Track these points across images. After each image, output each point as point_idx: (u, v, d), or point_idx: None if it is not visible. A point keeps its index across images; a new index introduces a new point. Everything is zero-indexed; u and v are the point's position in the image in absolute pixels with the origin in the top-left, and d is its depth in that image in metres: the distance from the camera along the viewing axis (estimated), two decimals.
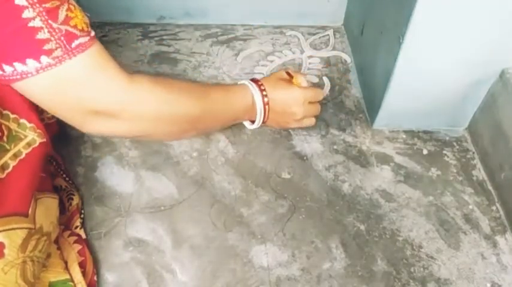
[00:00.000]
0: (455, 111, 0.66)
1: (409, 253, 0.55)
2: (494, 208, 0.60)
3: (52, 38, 0.39)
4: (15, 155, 0.43)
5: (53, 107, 0.44)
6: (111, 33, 0.81)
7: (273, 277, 0.53)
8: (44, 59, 0.39)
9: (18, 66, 0.39)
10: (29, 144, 0.45)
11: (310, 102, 0.62)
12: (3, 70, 0.39)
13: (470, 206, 0.60)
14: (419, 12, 0.51)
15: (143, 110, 0.47)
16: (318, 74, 0.77)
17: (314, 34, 0.84)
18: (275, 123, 0.64)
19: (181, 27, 0.84)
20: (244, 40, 0.82)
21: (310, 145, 0.66)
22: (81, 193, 0.60)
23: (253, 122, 0.63)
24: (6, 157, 0.43)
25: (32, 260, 0.44)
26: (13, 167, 0.43)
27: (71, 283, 0.49)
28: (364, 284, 0.53)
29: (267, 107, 0.60)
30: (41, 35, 0.38)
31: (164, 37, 0.81)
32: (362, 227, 0.57)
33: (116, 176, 0.62)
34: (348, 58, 0.79)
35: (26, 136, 0.45)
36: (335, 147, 0.66)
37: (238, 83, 0.61)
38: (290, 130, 0.68)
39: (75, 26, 0.40)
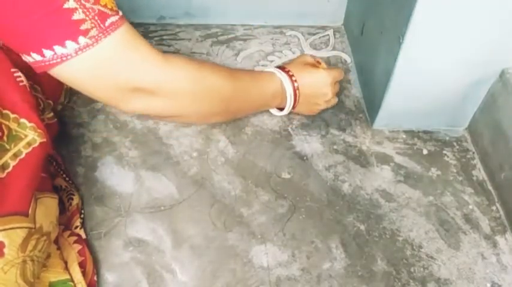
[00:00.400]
0: (455, 111, 0.66)
1: (409, 253, 0.55)
2: (494, 208, 0.60)
3: (87, 18, 0.40)
4: (15, 155, 0.43)
5: (92, 88, 0.45)
6: None
7: (273, 277, 0.53)
8: (82, 40, 0.40)
9: (58, 49, 0.39)
10: (29, 143, 0.45)
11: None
12: (43, 55, 0.40)
13: (470, 206, 0.60)
14: (419, 12, 0.51)
15: (178, 87, 0.48)
16: None
17: (314, 34, 0.84)
18: (304, 108, 0.65)
19: (181, 27, 0.84)
20: (244, 40, 0.82)
21: (310, 144, 0.66)
22: (81, 193, 0.60)
23: (281, 109, 0.64)
24: (7, 157, 0.43)
25: (32, 260, 0.44)
26: (13, 166, 0.43)
27: (71, 283, 0.49)
28: (364, 284, 0.53)
29: (297, 91, 0.61)
30: (76, 16, 0.39)
31: (164, 37, 0.81)
32: (362, 227, 0.57)
33: (116, 176, 0.62)
34: (348, 58, 0.79)
35: (26, 136, 0.45)
36: (335, 147, 0.66)
37: (265, 69, 0.62)
38: (290, 130, 0.68)
39: (105, 5, 0.41)
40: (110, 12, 0.41)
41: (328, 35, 0.84)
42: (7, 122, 0.43)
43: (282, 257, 0.55)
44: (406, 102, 0.64)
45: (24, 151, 0.44)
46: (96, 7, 0.40)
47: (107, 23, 0.41)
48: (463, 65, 0.58)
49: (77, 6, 0.39)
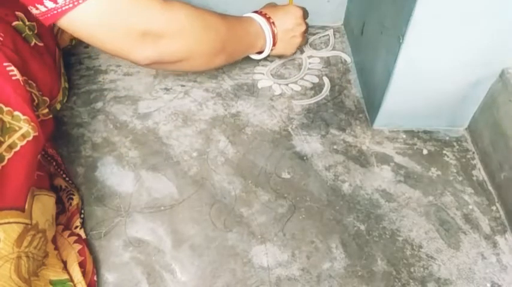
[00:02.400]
0: (455, 111, 0.66)
1: (409, 253, 0.55)
2: (494, 208, 0.60)
3: None
4: (10, 147, 0.43)
5: (102, 36, 0.47)
6: None
7: (273, 277, 0.53)
8: None
9: None
10: (23, 136, 0.44)
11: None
12: (55, 2, 0.42)
13: (470, 206, 0.60)
14: (419, 12, 0.51)
15: (181, 26, 0.52)
16: (318, 74, 0.77)
17: (314, 34, 0.84)
18: (284, 45, 0.70)
19: None
20: None
21: (310, 144, 0.66)
22: (81, 193, 0.60)
23: (261, 52, 0.69)
24: (1, 149, 0.42)
25: (27, 256, 0.43)
26: (8, 160, 0.42)
27: (70, 283, 0.49)
28: (364, 284, 0.53)
29: (274, 28, 0.67)
30: None
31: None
32: (362, 227, 0.57)
33: (116, 176, 0.62)
34: (348, 58, 0.79)
35: (20, 128, 0.44)
36: (335, 147, 0.66)
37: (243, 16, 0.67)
38: (290, 130, 0.68)
39: None
40: None
41: (328, 35, 0.84)
42: (0, 115, 0.43)
43: (282, 257, 0.55)
44: (406, 102, 0.64)
45: (19, 143, 0.44)
46: None
47: None
48: (463, 65, 0.58)
49: None
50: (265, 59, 0.79)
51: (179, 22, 0.52)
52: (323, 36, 0.84)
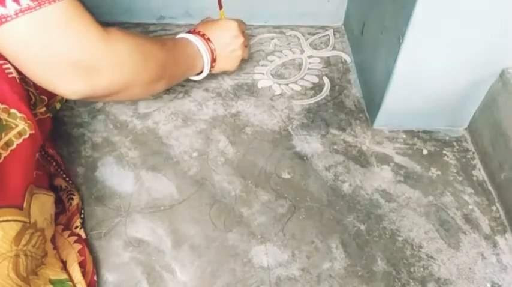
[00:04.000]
0: (455, 111, 0.66)
1: (409, 253, 0.55)
2: (494, 208, 0.60)
3: None
4: (6, 144, 0.43)
5: (29, 59, 0.42)
6: None
7: (273, 277, 0.53)
8: (24, 1, 0.38)
9: None
10: (20, 133, 0.44)
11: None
12: None
13: (470, 206, 0.60)
14: (419, 12, 0.51)
15: (118, 58, 0.47)
16: (318, 74, 0.77)
17: (314, 34, 0.84)
18: (225, 60, 0.67)
19: (181, 27, 0.84)
20: None
21: (310, 144, 0.66)
22: (81, 193, 0.60)
23: (201, 73, 0.66)
24: None
25: (26, 255, 0.43)
26: (5, 157, 0.42)
27: (69, 283, 0.49)
28: (364, 284, 0.53)
29: (211, 44, 0.64)
30: None
31: (164, 37, 0.81)
32: (362, 227, 0.57)
33: (116, 176, 0.62)
34: (348, 58, 0.79)
35: (16, 125, 0.44)
36: (335, 147, 0.66)
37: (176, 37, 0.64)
38: (290, 130, 0.68)
39: None
40: None
41: (328, 35, 0.84)
42: None
43: (282, 257, 0.55)
44: (406, 102, 0.64)
45: (16, 141, 0.44)
46: None
47: None
48: (463, 65, 0.58)
49: None
50: (265, 58, 0.79)
51: (117, 54, 0.47)
52: (323, 36, 0.84)
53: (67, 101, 0.68)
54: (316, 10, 0.84)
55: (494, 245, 0.56)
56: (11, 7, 0.38)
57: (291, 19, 0.85)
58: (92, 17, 0.44)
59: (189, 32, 0.64)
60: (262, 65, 0.78)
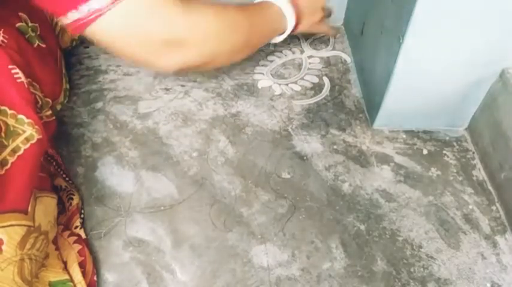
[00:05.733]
0: (455, 111, 0.66)
1: (409, 253, 0.55)
2: (494, 208, 0.60)
3: None
4: (13, 151, 0.43)
5: (126, 45, 0.47)
6: None
7: (273, 277, 0.53)
8: None
9: (93, 3, 0.41)
10: (27, 139, 0.44)
11: None
12: (80, 11, 0.42)
13: (470, 206, 0.60)
14: (419, 12, 0.51)
15: (204, 31, 0.51)
16: (317, 74, 0.77)
17: (314, 34, 0.84)
18: (306, 21, 0.68)
19: None
20: None
21: (310, 144, 0.66)
22: (81, 193, 0.60)
23: (282, 33, 0.67)
24: (5, 153, 0.42)
25: (30, 258, 0.44)
26: (12, 163, 0.43)
27: (70, 283, 0.49)
28: (364, 284, 0.53)
29: (295, 9, 0.64)
30: None
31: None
32: (362, 227, 0.57)
33: (116, 176, 0.62)
34: (348, 58, 0.79)
35: (24, 131, 0.44)
36: (335, 147, 0.66)
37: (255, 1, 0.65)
38: (290, 130, 0.68)
39: None
40: None
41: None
42: (5, 118, 0.43)
43: (282, 257, 0.55)
44: (406, 102, 0.64)
45: (23, 147, 0.44)
46: None
47: None
48: (463, 65, 0.58)
49: None
50: (265, 58, 0.79)
51: (202, 28, 0.50)
52: (323, 36, 0.84)
53: (67, 101, 0.69)
54: None
55: (494, 245, 0.56)
56: (103, 1, 0.42)
57: None
58: None
59: None
60: (262, 65, 0.78)
